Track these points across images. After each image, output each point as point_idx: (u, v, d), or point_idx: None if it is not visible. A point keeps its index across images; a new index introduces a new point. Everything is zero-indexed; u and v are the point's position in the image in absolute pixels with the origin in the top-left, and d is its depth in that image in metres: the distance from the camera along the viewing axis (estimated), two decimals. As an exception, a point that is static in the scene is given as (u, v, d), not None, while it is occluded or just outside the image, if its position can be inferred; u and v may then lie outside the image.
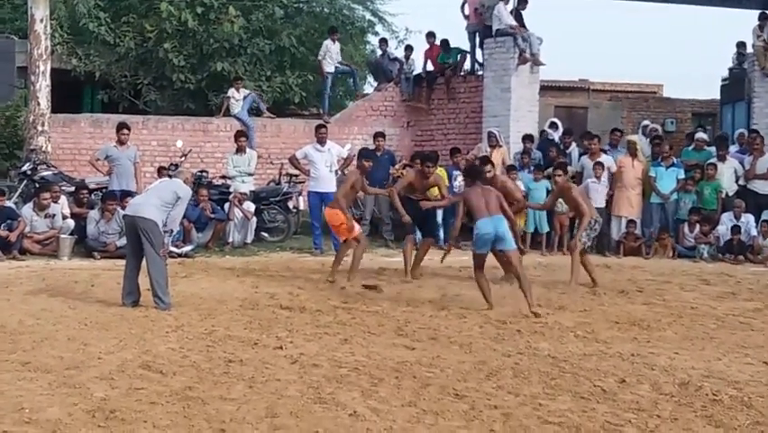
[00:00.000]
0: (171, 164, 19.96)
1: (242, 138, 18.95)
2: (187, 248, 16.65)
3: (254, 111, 23.21)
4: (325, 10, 28.05)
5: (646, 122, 22.67)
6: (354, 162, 15.72)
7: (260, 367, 8.34)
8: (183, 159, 20.16)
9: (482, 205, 11.94)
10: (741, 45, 24.00)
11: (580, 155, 19.55)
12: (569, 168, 18.68)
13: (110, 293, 12.31)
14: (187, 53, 24.98)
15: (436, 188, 14.79)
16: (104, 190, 17.79)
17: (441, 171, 17.72)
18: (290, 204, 19.35)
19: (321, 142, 17.71)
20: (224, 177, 19.46)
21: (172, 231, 11.83)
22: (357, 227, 14.48)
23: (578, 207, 14.14)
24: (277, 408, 7.02)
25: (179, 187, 11.80)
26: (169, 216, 11.53)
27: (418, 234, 15.47)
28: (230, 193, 18.36)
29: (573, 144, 20.33)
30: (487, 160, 14.66)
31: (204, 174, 19.59)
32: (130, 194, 16.94)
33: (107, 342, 9.33)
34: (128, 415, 6.74)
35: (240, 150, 18.65)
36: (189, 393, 7.38)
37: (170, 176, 12.17)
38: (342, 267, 14.19)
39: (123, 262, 15.02)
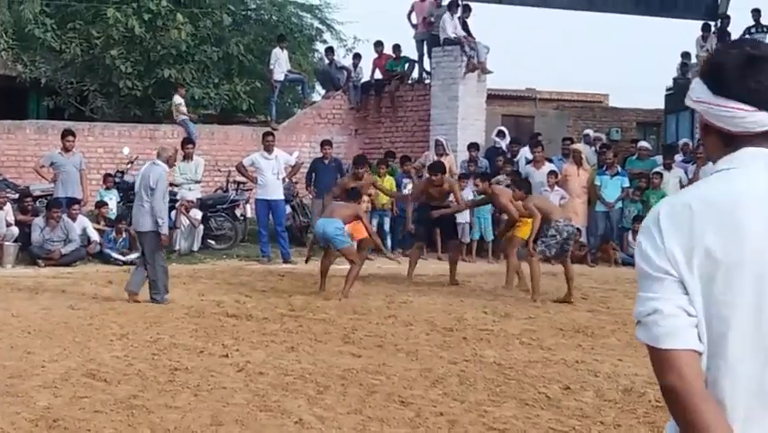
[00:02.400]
0: (118, 171, 19.88)
1: (189, 145, 18.88)
2: (133, 255, 16.53)
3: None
4: (273, 18, 28.05)
5: (588, 131, 22.90)
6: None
7: (205, 375, 8.32)
8: (129, 166, 20.06)
9: (327, 211, 14.11)
10: (685, 55, 24.31)
11: (527, 163, 19.68)
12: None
13: (54, 301, 12.24)
14: (133, 60, 24.82)
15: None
16: (49, 198, 17.62)
17: (387, 181, 17.92)
18: (237, 211, 19.31)
19: (268, 149, 17.67)
20: (170, 184, 19.33)
21: (161, 220, 12.53)
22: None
23: (508, 212, 14.23)
24: (222, 416, 7.01)
25: (152, 176, 12.50)
26: (152, 209, 12.41)
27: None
28: (176, 200, 18.26)
29: (520, 153, 20.46)
30: (441, 165, 15.67)
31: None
32: (76, 201, 16.86)
33: (51, 350, 9.26)
34: (71, 424, 6.70)
35: (186, 157, 18.58)
36: (134, 402, 7.35)
37: (158, 154, 12.97)
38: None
39: (68, 269, 15.14)
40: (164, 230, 12.61)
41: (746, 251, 2.33)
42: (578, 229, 18.36)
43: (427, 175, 15.83)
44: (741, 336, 2.34)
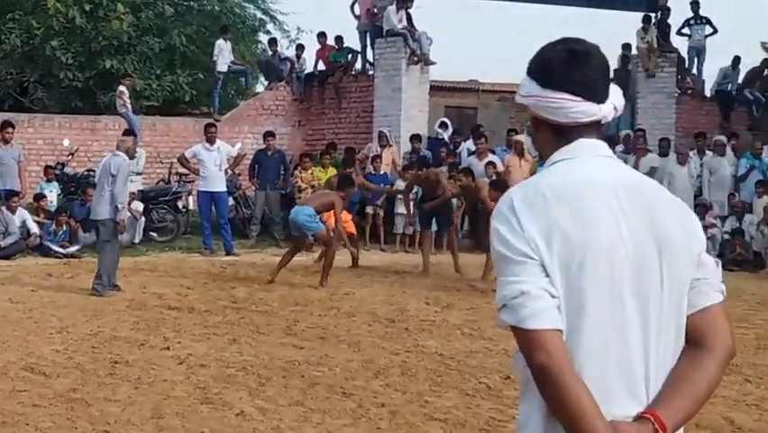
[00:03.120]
0: (58, 163, 19.68)
1: (131, 137, 18.70)
2: (74, 248, 16.43)
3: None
4: (216, 8, 27.80)
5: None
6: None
7: (146, 368, 8.28)
8: (70, 158, 19.88)
9: (303, 199, 14.89)
10: (626, 47, 24.48)
11: (469, 154, 19.75)
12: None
13: (-7, 294, 12.11)
14: (74, 51, 24.55)
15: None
16: (-13, 190, 17.38)
17: (331, 172, 17.97)
18: (180, 203, 19.17)
19: (210, 141, 17.59)
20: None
21: (121, 205, 12.75)
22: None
23: (487, 205, 14.49)
24: (162, 409, 6.98)
25: (113, 164, 12.72)
26: (112, 196, 12.53)
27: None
28: (118, 192, 18.10)
29: (462, 144, 20.55)
30: (426, 160, 17.31)
31: (91, 174, 19.32)
32: (15, 193, 16.63)
33: (-11, 344, 9.18)
34: (10, 418, 6.65)
35: (128, 148, 18.39)
36: (73, 395, 7.31)
37: (118, 146, 13.28)
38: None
39: (7, 262, 15.01)
40: (122, 215, 12.76)
41: (598, 237, 2.46)
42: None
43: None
44: (597, 317, 2.46)
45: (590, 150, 2.63)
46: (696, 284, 2.58)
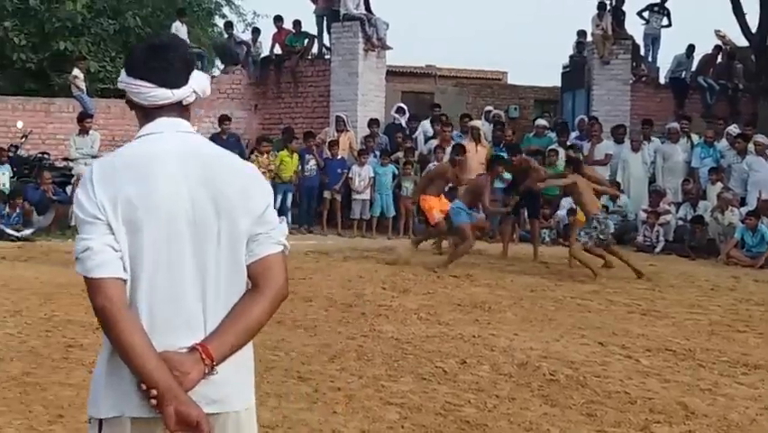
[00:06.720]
0: (11, 145, 19.50)
1: (87, 119, 18.58)
2: (28, 231, 16.28)
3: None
4: (172, -9, 27.68)
5: (489, 108, 23.11)
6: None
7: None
8: (23, 140, 19.70)
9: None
10: (581, 34, 24.60)
11: (426, 140, 19.79)
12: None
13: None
14: (28, 32, 24.35)
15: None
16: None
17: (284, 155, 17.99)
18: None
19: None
20: (66, 159, 19.06)
21: None
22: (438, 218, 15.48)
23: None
24: (117, 392, 6.92)
25: None
26: None
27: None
28: (72, 175, 17.99)
29: (419, 129, 20.59)
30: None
31: (45, 156, 19.16)
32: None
33: (-58, 328, 9.07)
34: (-38, 402, 6.58)
35: (83, 131, 18.28)
36: (27, 379, 7.24)
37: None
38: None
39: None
40: None
41: (158, 197, 2.96)
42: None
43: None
44: (156, 266, 2.97)
45: (169, 126, 3.13)
46: (258, 238, 3.09)
